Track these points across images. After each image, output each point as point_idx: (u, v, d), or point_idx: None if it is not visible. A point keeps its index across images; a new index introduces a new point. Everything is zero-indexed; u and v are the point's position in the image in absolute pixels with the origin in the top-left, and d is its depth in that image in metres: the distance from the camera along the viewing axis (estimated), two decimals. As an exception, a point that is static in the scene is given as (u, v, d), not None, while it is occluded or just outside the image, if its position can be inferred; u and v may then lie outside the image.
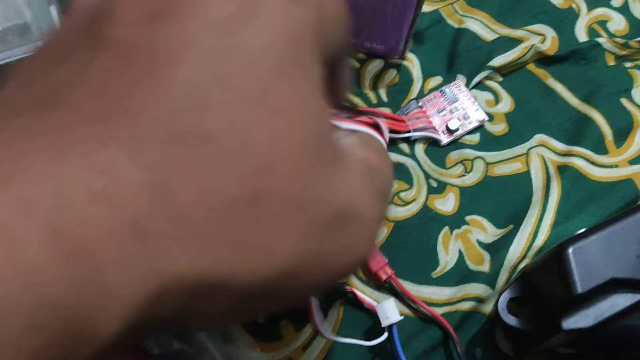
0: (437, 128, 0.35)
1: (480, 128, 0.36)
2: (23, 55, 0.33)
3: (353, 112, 0.32)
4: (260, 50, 0.13)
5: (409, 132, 0.35)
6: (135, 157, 0.12)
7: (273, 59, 0.13)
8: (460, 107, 0.36)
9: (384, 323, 0.28)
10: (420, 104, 0.36)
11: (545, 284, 0.27)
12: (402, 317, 0.29)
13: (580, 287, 0.24)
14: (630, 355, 0.26)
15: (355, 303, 0.31)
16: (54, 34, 0.14)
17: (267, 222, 0.13)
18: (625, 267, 0.25)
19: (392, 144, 0.36)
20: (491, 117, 0.37)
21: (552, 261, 0.26)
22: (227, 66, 0.13)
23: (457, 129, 0.35)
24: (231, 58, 0.13)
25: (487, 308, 0.31)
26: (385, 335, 0.28)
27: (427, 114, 0.36)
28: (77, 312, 0.11)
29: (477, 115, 0.36)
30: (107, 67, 0.13)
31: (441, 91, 0.37)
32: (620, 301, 0.25)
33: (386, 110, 0.36)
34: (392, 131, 0.34)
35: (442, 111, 0.35)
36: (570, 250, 0.25)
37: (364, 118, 0.21)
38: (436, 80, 0.38)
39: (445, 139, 0.35)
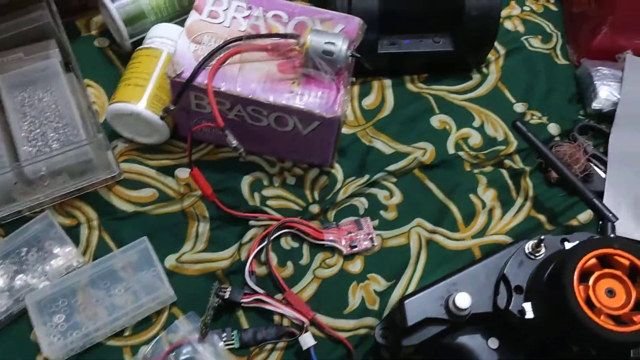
0: (343, 242, 0.54)
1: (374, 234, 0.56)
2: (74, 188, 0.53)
3: None
4: None
5: (323, 240, 0.54)
6: None
7: None
8: (361, 234, 0.55)
9: (304, 347, 0.48)
10: (338, 225, 0.55)
11: (397, 320, 0.46)
12: (316, 342, 0.48)
13: (409, 322, 0.44)
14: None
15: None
16: None
17: None
18: (435, 310, 0.44)
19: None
20: (386, 208, 0.57)
21: (398, 307, 0.46)
22: None
23: (355, 246, 0.54)
24: None
25: (376, 333, 0.51)
26: None
27: (341, 232, 0.55)
28: None
29: (368, 240, 0.54)
30: None
31: (355, 221, 0.55)
32: (433, 330, 0.44)
33: (316, 210, 0.56)
34: (313, 237, 0.54)
35: (350, 233, 0.55)
36: (406, 301, 0.45)
37: None
38: (351, 178, 0.58)
39: (345, 250, 0.54)
